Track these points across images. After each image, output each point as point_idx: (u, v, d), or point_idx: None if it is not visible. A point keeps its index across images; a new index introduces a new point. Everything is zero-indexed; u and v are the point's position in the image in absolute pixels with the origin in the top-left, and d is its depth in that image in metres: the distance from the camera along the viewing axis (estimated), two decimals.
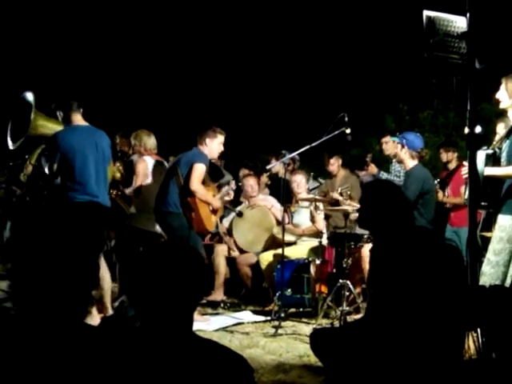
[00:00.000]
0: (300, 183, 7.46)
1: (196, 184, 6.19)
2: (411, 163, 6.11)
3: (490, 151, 4.81)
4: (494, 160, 4.82)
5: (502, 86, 4.80)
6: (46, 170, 6.34)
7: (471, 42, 3.79)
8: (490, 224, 5.89)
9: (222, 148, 6.55)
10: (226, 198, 7.20)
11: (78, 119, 5.98)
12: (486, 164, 4.72)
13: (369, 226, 3.95)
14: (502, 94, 4.82)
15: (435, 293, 1.49)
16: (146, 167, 6.88)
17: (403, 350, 1.64)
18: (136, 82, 13.67)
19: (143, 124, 7.64)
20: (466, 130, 5.13)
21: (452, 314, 1.50)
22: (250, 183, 7.64)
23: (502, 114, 5.19)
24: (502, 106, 4.87)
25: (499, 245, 4.63)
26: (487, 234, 5.91)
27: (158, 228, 6.71)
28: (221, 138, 6.50)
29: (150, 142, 7.01)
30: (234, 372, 1.65)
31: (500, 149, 4.82)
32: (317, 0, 13.50)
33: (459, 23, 3.90)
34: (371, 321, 3.86)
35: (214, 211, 6.53)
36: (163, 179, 6.53)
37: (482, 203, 4.94)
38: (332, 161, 7.93)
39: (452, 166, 7.57)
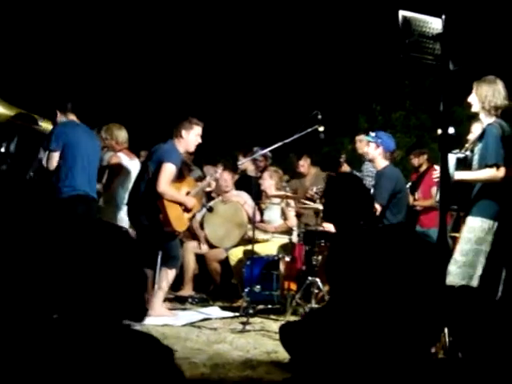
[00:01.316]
0: (265, 180, 7.40)
1: (163, 185, 5.94)
2: (383, 163, 6.12)
3: (461, 155, 4.86)
4: (465, 163, 4.87)
5: (474, 91, 4.88)
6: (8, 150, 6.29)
7: (446, 44, 3.83)
8: (459, 225, 5.96)
9: (199, 140, 6.25)
10: (208, 189, 7.15)
11: (74, 118, 6.22)
12: (457, 168, 4.77)
13: (332, 218, 3.98)
14: (473, 98, 4.90)
15: (403, 287, 1.48)
16: (119, 164, 6.87)
17: (369, 345, 1.64)
18: (109, 75, 13.53)
19: (116, 118, 7.58)
20: (439, 131, 5.18)
21: (423, 311, 1.50)
22: (225, 178, 7.59)
23: (474, 116, 5.26)
24: (473, 109, 4.95)
25: (467, 245, 4.69)
26: (457, 235, 5.99)
27: (124, 222, 6.66)
28: (197, 130, 6.20)
29: (122, 135, 6.98)
30: (148, 354, 1.59)
31: (472, 151, 4.87)
32: (291, 0, 13.51)
33: (434, 24, 3.92)
34: (334, 314, 3.88)
35: (188, 209, 6.31)
36: (137, 175, 6.44)
37: (453, 206, 5.00)
38: (301, 162, 7.95)
39: (422, 168, 7.61)
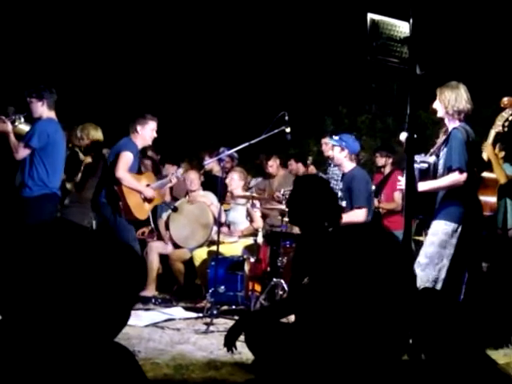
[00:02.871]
0: (234, 181, 7.39)
1: (121, 172, 6.16)
2: (350, 165, 6.12)
3: (424, 165, 4.88)
4: (427, 174, 4.90)
5: (437, 97, 4.93)
6: None
7: (413, 48, 3.86)
8: (421, 229, 6.03)
9: (154, 134, 6.50)
10: (169, 185, 7.17)
11: (54, 115, 6.16)
12: (420, 179, 4.79)
13: (297, 220, 3.97)
14: (437, 104, 4.95)
15: (372, 286, 1.47)
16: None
17: (335, 347, 1.63)
18: (73, 73, 13.36)
19: (81, 117, 7.52)
20: (402, 136, 5.25)
21: (392, 312, 1.50)
22: (191, 177, 7.55)
23: (439, 121, 5.31)
24: (438, 115, 5.01)
25: (430, 248, 4.73)
26: (420, 239, 6.06)
27: (91, 222, 6.62)
28: (152, 124, 6.45)
29: (98, 135, 7.00)
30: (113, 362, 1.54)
31: (438, 156, 4.92)
32: (260, 0, 13.51)
33: (402, 28, 3.95)
34: (299, 316, 3.90)
35: (148, 200, 6.46)
36: (101, 172, 6.55)
37: (419, 216, 5.07)
38: (270, 162, 7.95)
39: (386, 170, 7.67)
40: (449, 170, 4.79)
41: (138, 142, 6.39)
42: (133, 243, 6.26)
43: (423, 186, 4.72)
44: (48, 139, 5.98)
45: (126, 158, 6.20)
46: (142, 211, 6.44)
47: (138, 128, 6.38)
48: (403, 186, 4.84)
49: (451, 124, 4.91)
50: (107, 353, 1.54)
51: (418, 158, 4.75)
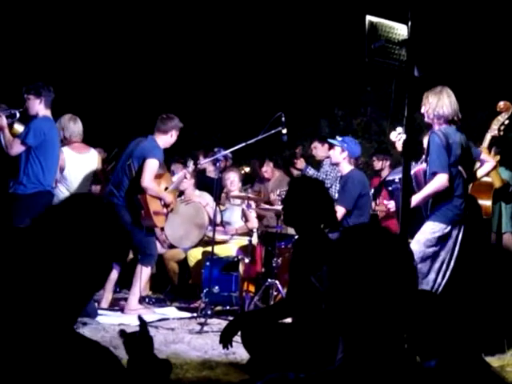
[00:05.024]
0: (233, 181, 7.42)
1: (148, 181, 6.08)
2: (347, 168, 6.17)
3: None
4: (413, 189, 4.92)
5: (423, 101, 4.94)
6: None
7: (411, 50, 3.86)
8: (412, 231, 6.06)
9: (174, 140, 6.45)
10: (185, 180, 7.13)
11: (50, 114, 6.11)
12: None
13: (293, 222, 3.98)
14: (424, 109, 4.97)
15: (378, 288, 1.47)
16: (62, 159, 6.44)
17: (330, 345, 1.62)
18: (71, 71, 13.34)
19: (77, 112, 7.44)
20: (392, 135, 5.25)
21: (394, 312, 1.50)
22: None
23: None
24: (425, 119, 5.03)
25: (415, 246, 4.70)
26: (409, 241, 6.09)
27: None
28: (177, 130, 6.41)
29: (71, 128, 6.57)
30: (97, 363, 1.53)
31: (426, 162, 4.94)
32: (257, 1, 13.51)
33: (401, 30, 3.96)
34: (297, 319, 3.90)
35: (166, 205, 6.42)
36: (117, 170, 6.40)
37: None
38: (264, 168, 7.97)
39: (384, 173, 7.69)
40: (430, 174, 4.83)
41: (160, 143, 6.31)
42: (153, 248, 6.47)
43: (413, 200, 4.70)
44: (44, 137, 5.93)
45: (154, 167, 6.13)
46: (161, 219, 6.42)
47: (166, 129, 6.31)
48: (393, 208, 5.01)
49: (433, 129, 4.95)
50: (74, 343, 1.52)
51: (398, 175, 4.78)
